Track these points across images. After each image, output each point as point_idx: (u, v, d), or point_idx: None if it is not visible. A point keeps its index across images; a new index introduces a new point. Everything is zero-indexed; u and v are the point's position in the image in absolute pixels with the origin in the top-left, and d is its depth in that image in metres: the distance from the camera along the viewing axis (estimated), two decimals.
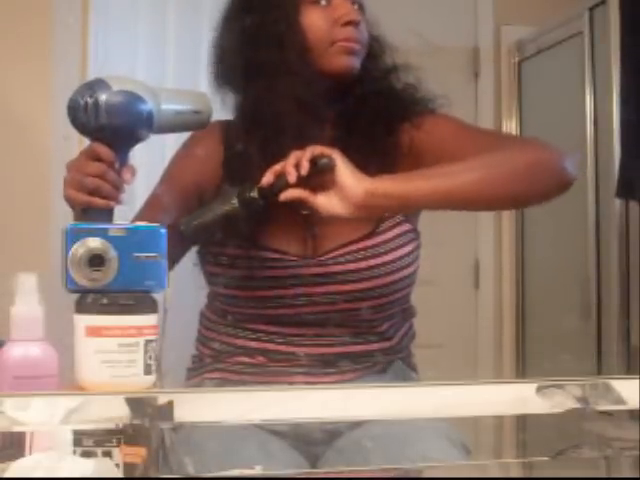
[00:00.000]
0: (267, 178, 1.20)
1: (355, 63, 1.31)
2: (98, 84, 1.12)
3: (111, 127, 1.12)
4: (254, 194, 1.22)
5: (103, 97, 1.11)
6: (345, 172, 1.17)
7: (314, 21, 1.30)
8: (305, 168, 1.17)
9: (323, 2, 1.31)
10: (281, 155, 1.22)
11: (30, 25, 2.69)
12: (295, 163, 1.18)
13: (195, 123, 1.24)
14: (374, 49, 1.37)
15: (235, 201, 1.22)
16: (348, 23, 1.30)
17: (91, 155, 1.14)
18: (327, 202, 1.18)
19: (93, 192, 1.14)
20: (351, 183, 1.16)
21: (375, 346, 1.35)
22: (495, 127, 3.26)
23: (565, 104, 2.98)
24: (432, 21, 3.03)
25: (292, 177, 1.17)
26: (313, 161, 1.18)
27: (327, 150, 1.19)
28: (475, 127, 1.35)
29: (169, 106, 1.19)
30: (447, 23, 3.17)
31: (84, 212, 1.15)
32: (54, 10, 2.73)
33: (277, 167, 1.20)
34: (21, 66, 2.61)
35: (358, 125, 1.34)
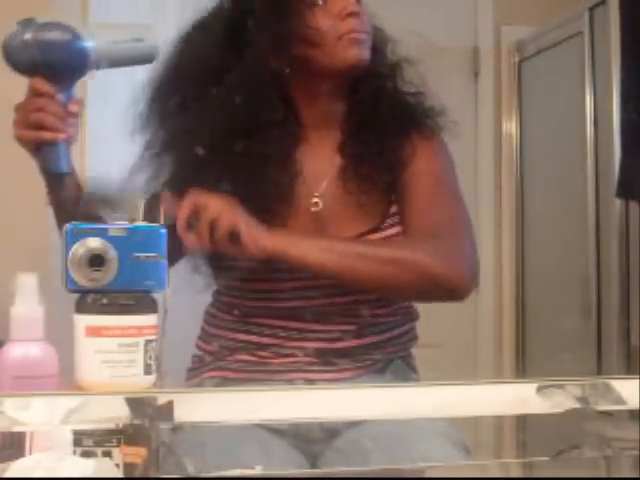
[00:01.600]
0: (182, 215, 1.19)
1: (365, 53, 1.32)
2: (24, 22, 1.16)
3: (42, 61, 1.15)
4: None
5: (29, 33, 1.14)
6: (246, 232, 1.19)
7: (318, 21, 1.30)
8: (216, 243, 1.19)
9: (320, 2, 1.31)
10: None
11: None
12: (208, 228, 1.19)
13: (139, 53, 1.24)
14: (378, 40, 1.37)
15: (141, 208, 1.18)
16: (349, 15, 1.30)
17: (31, 92, 1.17)
18: (226, 250, 1.21)
19: (38, 127, 1.17)
20: (250, 243, 1.19)
21: (374, 339, 1.35)
22: (495, 127, 3.27)
23: (565, 104, 2.98)
24: (432, 21, 3.03)
25: (204, 242, 1.19)
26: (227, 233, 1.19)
27: (236, 221, 1.19)
28: (444, 189, 1.36)
29: (105, 35, 1.21)
30: (447, 23, 3.17)
31: (38, 151, 1.18)
32: (54, 11, 2.73)
33: (190, 209, 1.20)
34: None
35: (366, 131, 1.34)
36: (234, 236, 1.19)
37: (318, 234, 1.33)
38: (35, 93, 1.17)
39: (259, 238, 1.20)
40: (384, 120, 1.34)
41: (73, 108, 1.19)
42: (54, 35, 1.16)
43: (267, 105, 1.32)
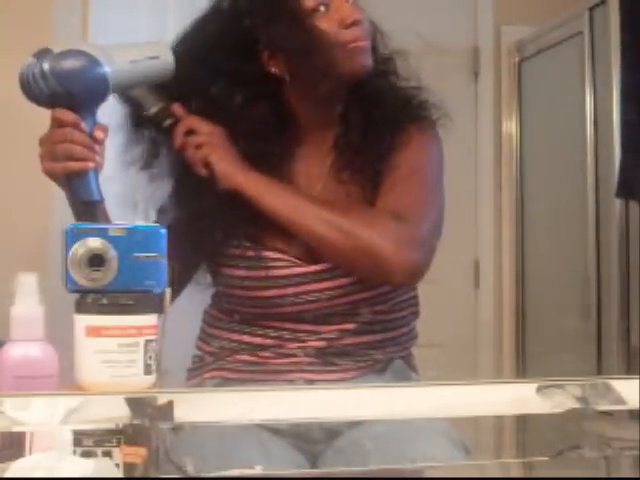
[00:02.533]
0: (179, 132, 1.31)
1: (369, 60, 1.32)
2: (40, 53, 1.14)
3: (63, 91, 1.13)
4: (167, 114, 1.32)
5: (47, 63, 1.12)
6: (220, 165, 1.29)
7: (322, 28, 1.30)
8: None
9: (322, 8, 1.30)
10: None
11: (30, 26, 2.69)
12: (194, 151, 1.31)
13: (156, 70, 1.24)
14: (371, 37, 1.36)
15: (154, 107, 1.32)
16: (353, 23, 1.30)
17: (55, 123, 1.15)
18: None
19: (66, 158, 1.15)
20: (223, 176, 1.29)
21: (375, 337, 1.35)
22: (495, 127, 3.27)
23: (565, 104, 2.98)
24: (432, 21, 3.03)
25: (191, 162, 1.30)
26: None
27: (209, 151, 1.30)
28: (421, 178, 1.36)
29: (121, 57, 1.19)
30: (447, 23, 3.17)
31: (68, 182, 1.17)
32: (54, 11, 2.73)
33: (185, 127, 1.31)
34: (21, 65, 2.61)
35: (363, 126, 1.34)
36: (209, 166, 1.29)
37: None
38: (59, 124, 1.15)
39: (232, 176, 1.28)
40: (379, 116, 1.34)
41: (99, 135, 1.17)
42: (72, 63, 1.13)
43: (265, 108, 1.32)
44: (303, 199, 1.30)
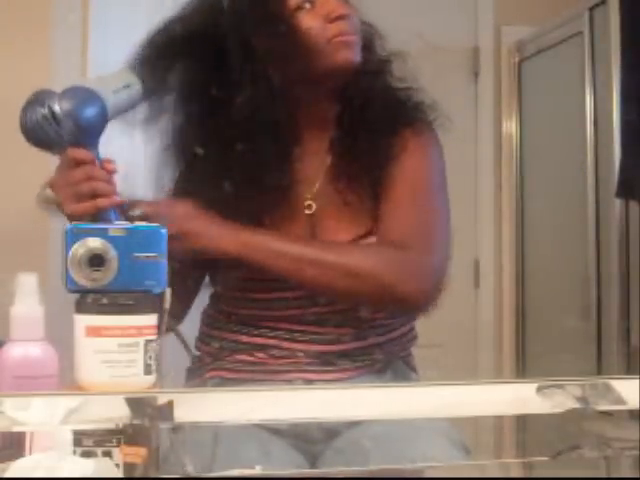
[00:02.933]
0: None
1: (355, 55, 1.31)
2: (40, 95, 1.12)
3: (77, 129, 1.11)
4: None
5: (56, 105, 1.10)
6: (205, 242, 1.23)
7: (306, 25, 1.29)
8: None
9: (307, 5, 1.30)
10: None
11: (30, 27, 2.69)
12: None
13: (130, 98, 1.23)
14: (367, 37, 1.36)
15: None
16: (338, 18, 1.30)
17: (72, 163, 1.14)
18: None
19: (92, 196, 1.14)
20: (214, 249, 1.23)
21: (374, 341, 1.35)
22: (495, 127, 3.27)
23: (565, 104, 2.98)
24: (432, 21, 3.03)
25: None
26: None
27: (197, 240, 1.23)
28: (424, 196, 1.35)
29: (105, 88, 1.18)
30: (447, 23, 3.17)
31: (93, 220, 1.14)
32: (54, 11, 2.73)
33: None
34: (21, 67, 2.61)
35: (356, 128, 1.34)
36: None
37: (312, 237, 1.33)
38: (76, 163, 1.13)
39: (220, 242, 1.23)
40: (373, 118, 1.34)
41: (110, 167, 1.16)
42: (78, 100, 1.12)
43: (261, 108, 1.31)
44: (303, 245, 1.28)
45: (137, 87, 1.23)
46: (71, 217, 1.16)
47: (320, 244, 1.31)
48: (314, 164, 1.35)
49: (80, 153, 1.13)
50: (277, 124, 1.33)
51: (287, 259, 1.24)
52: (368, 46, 1.36)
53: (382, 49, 1.38)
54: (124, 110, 1.24)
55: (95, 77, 1.29)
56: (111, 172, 1.16)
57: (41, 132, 1.11)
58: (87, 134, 1.14)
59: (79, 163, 1.13)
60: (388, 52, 1.38)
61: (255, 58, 1.31)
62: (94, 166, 1.14)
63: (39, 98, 1.11)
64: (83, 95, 1.13)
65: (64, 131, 1.10)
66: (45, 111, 1.10)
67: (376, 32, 1.38)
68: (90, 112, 1.13)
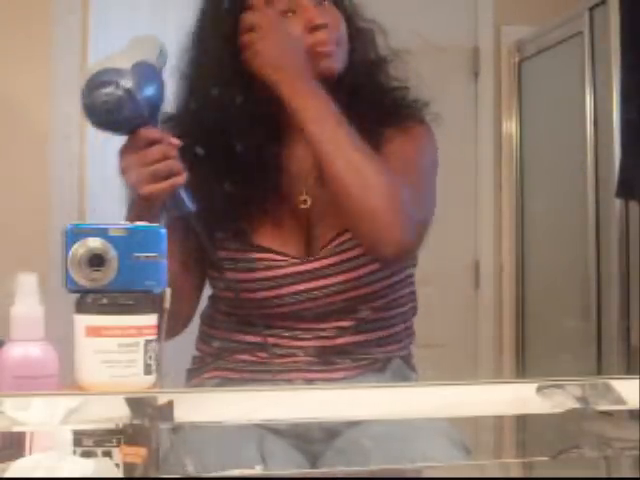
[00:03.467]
0: None
1: (335, 64, 1.31)
2: (109, 74, 1.06)
3: (148, 104, 1.07)
4: None
5: (128, 83, 1.05)
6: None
7: (289, 32, 1.30)
8: None
9: (289, 14, 1.30)
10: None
11: (30, 27, 2.69)
12: None
13: (163, 64, 1.20)
14: (357, 41, 1.36)
15: None
16: (315, 28, 1.30)
17: (144, 142, 1.11)
18: None
19: (168, 175, 1.12)
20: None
21: (374, 335, 1.35)
22: (495, 127, 3.27)
23: (565, 104, 2.98)
24: (432, 21, 3.04)
25: None
26: None
27: None
28: (413, 170, 1.34)
29: (152, 57, 1.15)
30: (447, 23, 3.17)
31: (170, 200, 1.12)
32: (54, 11, 2.73)
33: None
34: (21, 67, 2.61)
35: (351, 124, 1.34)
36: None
37: (308, 231, 1.33)
38: (149, 143, 1.11)
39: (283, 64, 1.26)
40: (363, 117, 1.34)
41: (175, 142, 1.14)
42: (147, 77, 1.08)
43: (254, 104, 1.31)
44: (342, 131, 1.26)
45: (166, 52, 1.21)
46: (147, 198, 1.15)
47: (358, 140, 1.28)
48: (308, 159, 1.35)
49: (151, 132, 1.10)
50: (271, 122, 1.33)
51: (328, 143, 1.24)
52: (363, 48, 1.36)
53: (384, 46, 1.38)
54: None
55: (131, 44, 1.20)
56: (177, 147, 1.14)
57: (116, 114, 1.06)
58: (156, 111, 1.11)
59: (153, 142, 1.11)
60: (390, 50, 1.38)
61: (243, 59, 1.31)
62: (166, 144, 1.11)
63: (106, 77, 1.06)
64: (148, 71, 1.09)
65: (138, 111, 1.06)
66: (119, 91, 1.05)
67: (378, 29, 1.38)
68: (156, 87, 1.10)
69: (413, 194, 1.28)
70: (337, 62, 1.31)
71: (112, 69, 1.07)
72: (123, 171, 1.14)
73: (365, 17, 1.38)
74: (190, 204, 1.18)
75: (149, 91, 1.08)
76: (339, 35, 1.32)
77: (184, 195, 1.17)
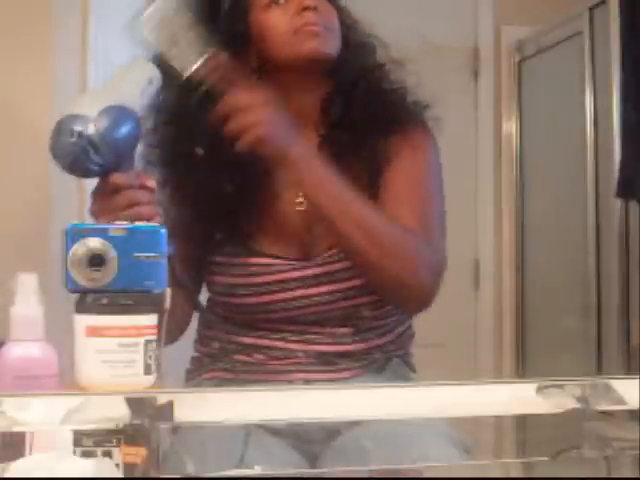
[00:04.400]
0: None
1: (323, 46, 1.30)
2: (73, 122, 1.03)
3: (115, 151, 1.04)
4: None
5: (92, 131, 1.01)
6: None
7: (276, 20, 1.30)
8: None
9: (281, 1, 1.31)
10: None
11: (30, 27, 2.69)
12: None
13: (152, 94, 1.16)
14: (350, 39, 1.36)
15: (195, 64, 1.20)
16: (305, 9, 1.30)
17: (111, 188, 1.07)
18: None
19: (138, 221, 1.10)
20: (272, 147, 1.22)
21: (374, 342, 1.35)
22: (495, 127, 3.27)
23: (565, 104, 2.98)
24: (432, 21, 3.04)
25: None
26: None
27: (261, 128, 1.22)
28: (420, 189, 1.34)
29: (134, 91, 1.12)
30: (447, 23, 3.17)
31: None
32: (54, 11, 2.73)
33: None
34: (21, 68, 2.61)
35: (341, 130, 1.34)
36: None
37: (306, 234, 1.33)
38: (116, 189, 1.06)
39: (286, 145, 1.22)
40: (359, 119, 1.34)
41: (150, 184, 1.10)
42: (114, 121, 1.03)
43: None
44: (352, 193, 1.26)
45: (158, 80, 1.17)
46: None
47: (370, 204, 1.29)
48: None
49: (118, 178, 1.06)
50: None
51: (339, 205, 1.24)
52: (366, 54, 1.36)
53: (385, 57, 1.38)
54: (148, 106, 1.18)
55: (114, 76, 1.17)
56: (152, 190, 1.10)
57: (77, 161, 1.02)
58: (125, 155, 1.08)
59: (121, 188, 1.07)
60: (387, 59, 1.38)
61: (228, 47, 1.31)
62: (136, 190, 1.08)
63: (70, 125, 1.02)
64: (117, 115, 1.04)
65: (103, 159, 1.02)
66: (82, 141, 1.01)
67: (380, 43, 1.38)
68: (126, 132, 1.05)
69: (425, 222, 1.30)
70: (325, 45, 1.30)
71: (77, 116, 1.03)
72: (92, 214, 1.11)
73: (366, 32, 1.38)
74: (167, 247, 1.15)
75: (118, 134, 1.04)
76: (328, 20, 1.32)
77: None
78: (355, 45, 1.36)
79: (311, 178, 1.24)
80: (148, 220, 1.07)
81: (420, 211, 1.32)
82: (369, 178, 1.33)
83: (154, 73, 1.17)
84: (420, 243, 1.28)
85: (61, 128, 1.03)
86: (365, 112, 1.34)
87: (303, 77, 1.32)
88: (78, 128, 1.01)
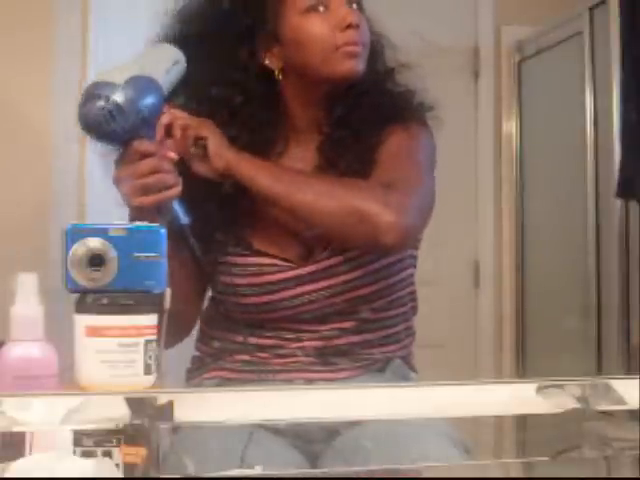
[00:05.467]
0: (161, 123, 1.20)
1: (359, 66, 1.31)
2: (102, 88, 1.09)
3: (140, 119, 1.10)
4: None
5: (119, 97, 1.08)
6: (214, 142, 1.22)
7: (315, 28, 1.30)
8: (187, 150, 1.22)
9: (321, 8, 1.30)
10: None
11: (30, 28, 2.69)
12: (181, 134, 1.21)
13: (177, 76, 1.22)
14: (375, 47, 1.36)
15: None
16: (349, 27, 1.30)
17: (136, 156, 1.13)
18: (194, 163, 1.23)
19: (160, 188, 1.13)
20: (216, 154, 1.22)
21: (373, 337, 1.35)
22: (495, 127, 3.27)
23: (565, 104, 2.98)
24: (432, 21, 3.04)
25: (177, 146, 1.20)
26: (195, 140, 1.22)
27: (203, 131, 1.23)
28: (412, 162, 1.34)
29: (159, 68, 1.17)
30: (447, 23, 3.17)
31: (159, 212, 1.13)
32: (54, 12, 2.73)
33: (169, 119, 1.21)
34: (22, 68, 2.61)
35: (349, 122, 1.34)
36: (201, 144, 1.22)
37: (305, 233, 1.33)
38: (141, 155, 1.12)
39: (224, 154, 1.22)
40: (363, 118, 1.34)
41: (171, 155, 1.15)
42: (139, 90, 1.10)
43: (258, 106, 1.32)
44: (295, 173, 1.30)
45: (183, 62, 1.23)
46: (137, 210, 1.15)
47: (309, 173, 1.32)
48: (306, 165, 1.36)
49: (145, 146, 1.12)
50: (274, 124, 1.33)
51: (286, 183, 1.26)
52: (374, 55, 1.36)
53: (391, 59, 1.38)
54: (173, 87, 1.22)
55: (140, 55, 1.24)
56: (173, 160, 1.15)
57: (106, 126, 1.08)
58: (150, 125, 1.13)
59: (144, 156, 1.12)
60: (396, 63, 1.39)
61: (258, 58, 1.32)
62: (160, 158, 1.13)
63: (99, 91, 1.08)
64: (143, 85, 1.11)
65: (129, 125, 1.08)
66: (109, 105, 1.07)
67: (388, 43, 1.39)
68: (151, 101, 1.12)
69: (408, 182, 1.29)
70: (361, 64, 1.32)
71: (105, 83, 1.09)
72: (116, 181, 1.16)
73: (375, 30, 1.38)
74: (184, 216, 1.19)
75: (142, 105, 1.10)
76: (366, 37, 1.33)
77: (177, 207, 1.18)
78: (375, 52, 1.36)
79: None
80: (169, 189, 1.13)
81: (408, 172, 1.31)
82: (361, 161, 1.33)
83: (179, 56, 1.22)
84: (384, 191, 1.26)
85: (89, 92, 1.09)
86: (371, 113, 1.35)
87: (323, 85, 1.33)
88: (106, 93, 1.07)
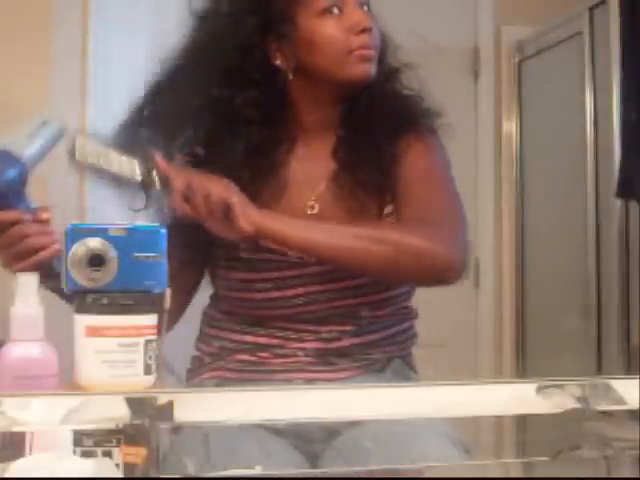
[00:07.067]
0: (178, 187, 1.19)
1: (372, 69, 1.32)
2: None
3: (3, 189, 1.09)
4: (154, 178, 1.20)
5: None
6: (240, 205, 1.19)
7: (330, 31, 1.30)
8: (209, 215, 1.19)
9: (336, 11, 1.30)
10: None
11: (30, 28, 2.69)
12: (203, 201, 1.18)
13: (53, 135, 1.20)
14: (381, 47, 1.37)
15: (138, 174, 1.19)
16: (363, 31, 1.30)
17: (3, 225, 1.11)
18: (218, 227, 1.21)
19: (31, 253, 1.12)
20: (244, 218, 1.18)
21: (374, 338, 1.35)
22: (495, 127, 3.27)
23: (565, 104, 2.98)
24: (432, 21, 3.03)
25: (199, 213, 1.18)
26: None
27: (228, 195, 1.19)
28: (436, 181, 1.36)
29: (19, 136, 1.16)
30: (447, 23, 3.17)
31: (44, 272, 1.08)
32: (54, 12, 2.73)
33: (185, 183, 1.19)
34: (21, 68, 2.61)
35: (360, 125, 1.35)
36: (226, 210, 1.18)
37: None
38: (6, 225, 1.11)
39: (251, 215, 1.19)
40: (377, 123, 1.35)
41: (44, 216, 1.14)
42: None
43: (269, 106, 1.32)
44: (329, 224, 1.29)
45: (55, 123, 1.20)
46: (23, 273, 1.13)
47: (349, 223, 1.30)
48: (318, 167, 1.36)
49: (7, 215, 1.11)
50: (282, 123, 1.33)
51: (321, 231, 1.25)
52: (379, 56, 1.36)
53: (393, 59, 1.39)
54: (48, 150, 1.20)
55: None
56: (45, 221, 1.14)
57: None
58: (11, 195, 1.12)
59: (9, 225, 1.11)
60: (399, 63, 1.39)
61: (269, 57, 1.32)
62: (25, 223, 1.12)
63: None
64: (3, 158, 1.11)
65: None
66: None
67: (391, 42, 1.39)
68: (9, 175, 1.11)
69: (438, 211, 1.31)
70: (373, 67, 1.32)
71: None
72: None
73: (380, 30, 1.38)
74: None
75: (4, 177, 1.10)
76: (377, 41, 1.34)
77: (57, 264, 1.11)
78: (381, 53, 1.37)
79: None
80: (40, 250, 1.11)
81: (438, 198, 1.33)
82: (379, 179, 1.34)
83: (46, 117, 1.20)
84: (434, 230, 1.28)
85: None
86: (382, 115, 1.35)
87: (333, 86, 1.33)
88: None
